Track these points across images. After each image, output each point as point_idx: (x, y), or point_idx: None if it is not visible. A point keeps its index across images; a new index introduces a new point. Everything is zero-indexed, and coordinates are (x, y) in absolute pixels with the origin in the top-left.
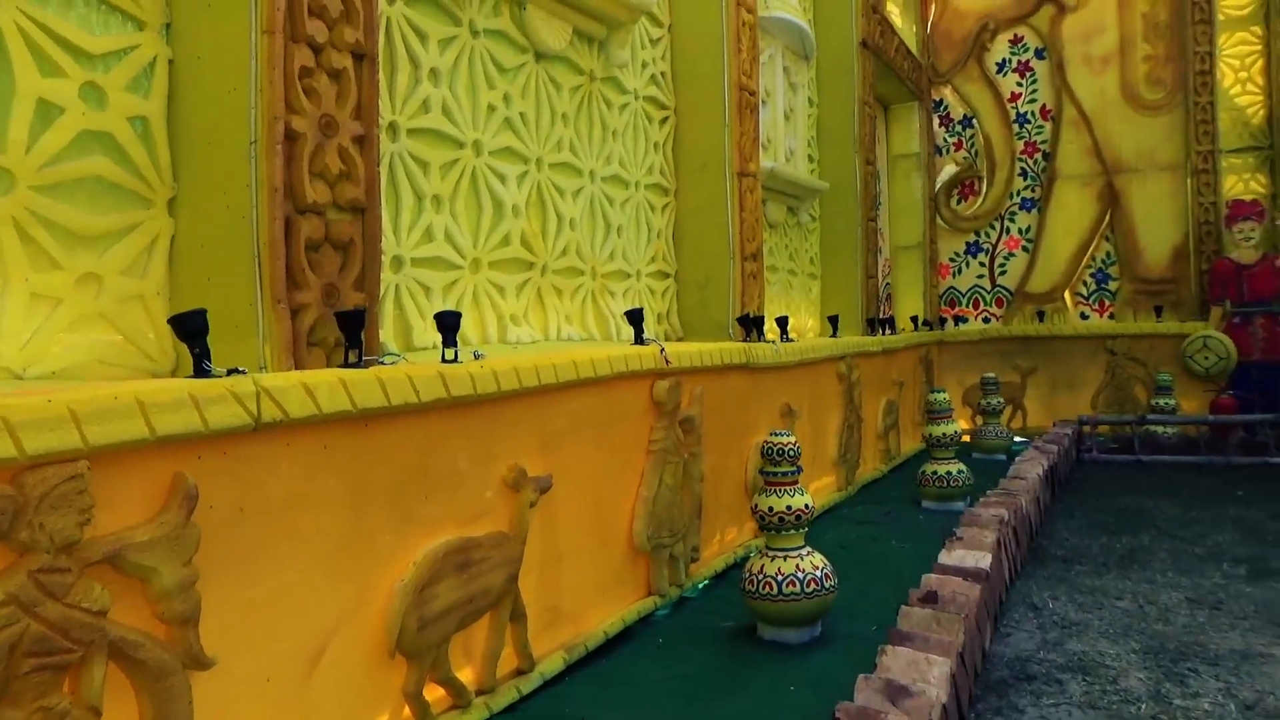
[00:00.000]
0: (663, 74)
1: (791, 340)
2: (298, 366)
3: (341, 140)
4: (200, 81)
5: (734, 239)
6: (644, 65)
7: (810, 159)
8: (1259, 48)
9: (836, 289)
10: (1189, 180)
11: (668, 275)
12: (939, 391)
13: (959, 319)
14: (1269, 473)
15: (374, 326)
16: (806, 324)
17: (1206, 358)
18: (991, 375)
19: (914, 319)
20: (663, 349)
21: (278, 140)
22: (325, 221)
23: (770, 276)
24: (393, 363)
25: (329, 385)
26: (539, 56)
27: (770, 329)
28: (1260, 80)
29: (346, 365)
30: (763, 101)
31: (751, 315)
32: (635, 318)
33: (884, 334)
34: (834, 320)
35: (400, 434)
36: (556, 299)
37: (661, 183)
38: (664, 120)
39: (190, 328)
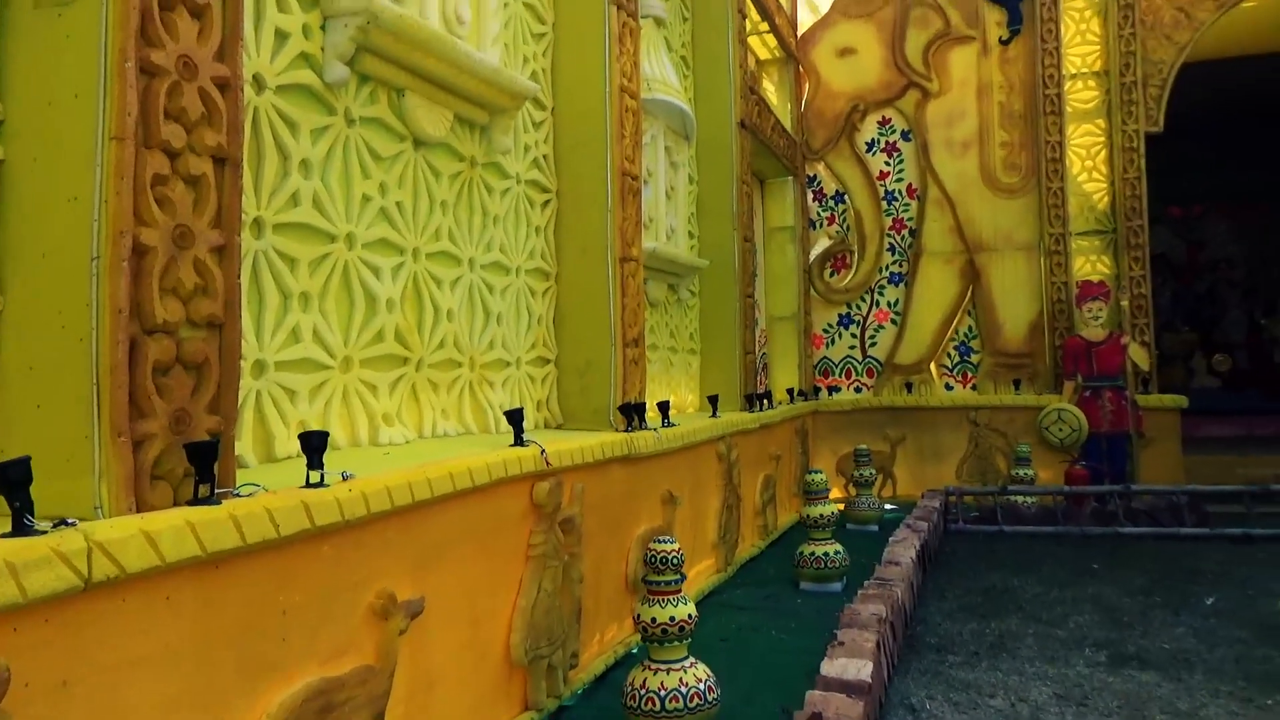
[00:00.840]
0: (545, 157)
1: (673, 425)
2: (139, 506)
3: (198, 252)
4: (36, 187)
5: (615, 324)
6: (526, 149)
7: (691, 235)
8: (1103, 139)
9: (716, 364)
10: (1043, 260)
11: (548, 361)
12: (815, 472)
13: (833, 389)
14: (1119, 543)
15: (229, 455)
16: (687, 400)
17: (1061, 429)
18: (864, 447)
19: (790, 391)
20: (543, 450)
21: (124, 256)
22: (177, 341)
23: (652, 355)
24: (250, 494)
25: (174, 530)
26: (418, 144)
27: (652, 414)
28: (1104, 169)
29: (196, 501)
30: (645, 181)
31: (633, 402)
32: (515, 419)
33: (762, 408)
34: (714, 400)
35: (256, 572)
36: (432, 394)
37: (543, 267)
38: (546, 203)
39: (11, 478)
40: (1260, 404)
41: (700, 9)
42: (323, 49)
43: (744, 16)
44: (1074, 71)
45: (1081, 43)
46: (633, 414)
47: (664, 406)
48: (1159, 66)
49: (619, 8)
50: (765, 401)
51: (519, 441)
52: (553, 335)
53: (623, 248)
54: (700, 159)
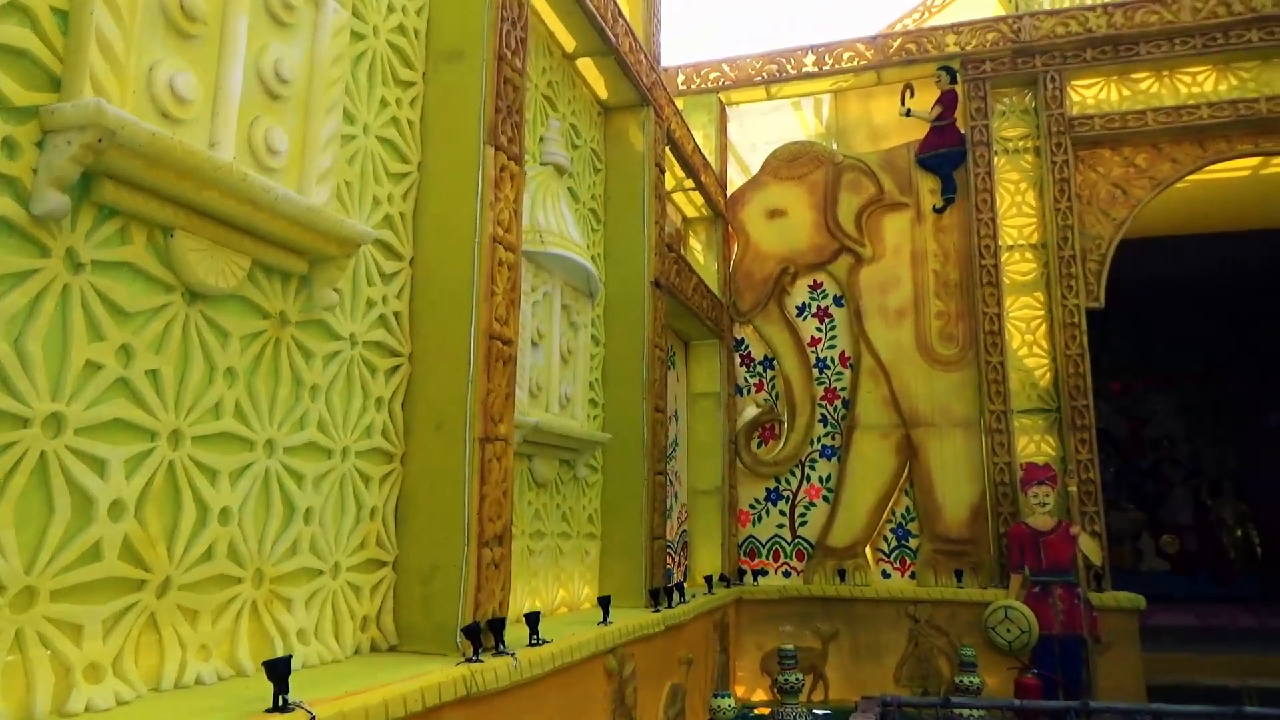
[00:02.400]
0: (396, 315)
1: (543, 643)
2: None
3: None
4: None
5: (471, 518)
6: (369, 305)
7: (594, 404)
8: (1042, 313)
9: (618, 552)
10: (984, 438)
11: (383, 565)
12: (723, 695)
13: (759, 572)
14: None
15: None
16: (582, 594)
17: (1009, 630)
18: (790, 648)
19: (709, 579)
20: (312, 716)
21: None
22: None
23: (536, 545)
24: None
25: None
26: (194, 297)
27: (515, 625)
28: (1045, 344)
29: None
30: (534, 343)
31: (488, 621)
32: (276, 671)
33: (671, 604)
34: (605, 603)
35: None
36: (187, 625)
37: (383, 447)
38: (393, 370)
39: None
40: (1211, 590)
41: (614, 161)
42: (35, 171)
43: (662, 170)
44: (1011, 243)
45: (1017, 214)
46: (483, 636)
47: (533, 620)
48: (1097, 242)
49: (497, 149)
50: (677, 594)
51: (280, 706)
52: (391, 532)
53: (485, 424)
54: (608, 320)
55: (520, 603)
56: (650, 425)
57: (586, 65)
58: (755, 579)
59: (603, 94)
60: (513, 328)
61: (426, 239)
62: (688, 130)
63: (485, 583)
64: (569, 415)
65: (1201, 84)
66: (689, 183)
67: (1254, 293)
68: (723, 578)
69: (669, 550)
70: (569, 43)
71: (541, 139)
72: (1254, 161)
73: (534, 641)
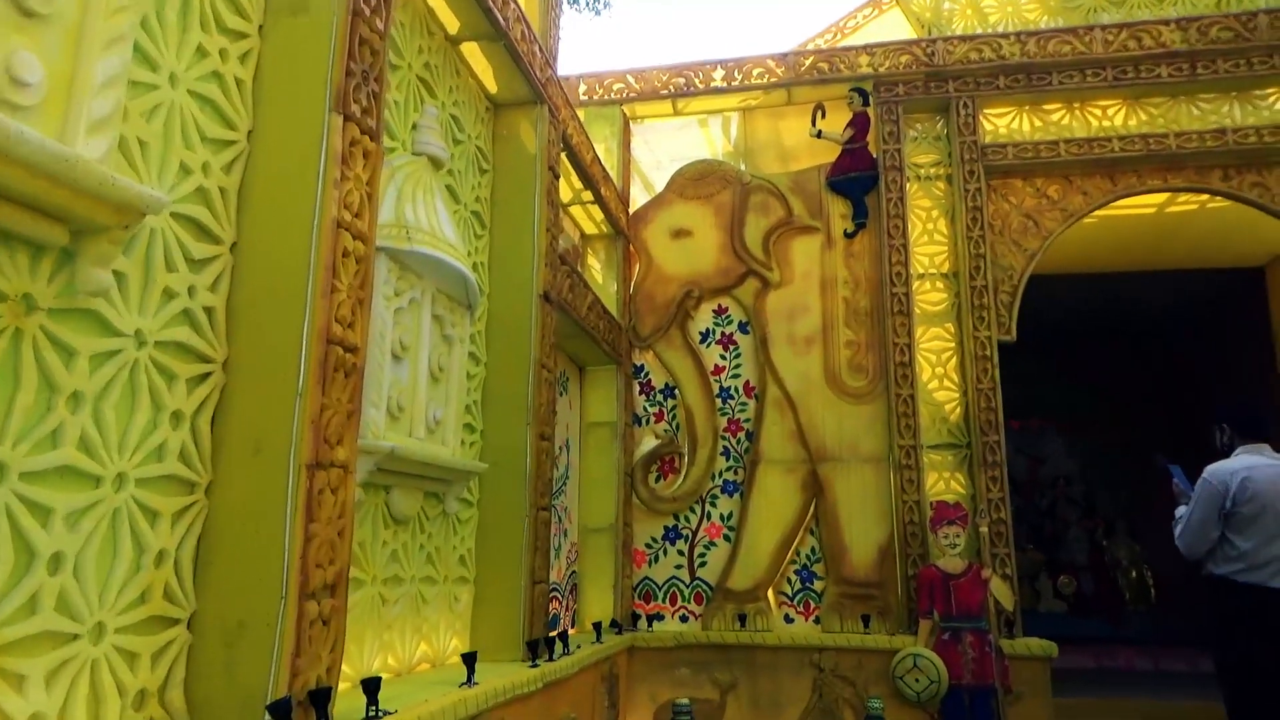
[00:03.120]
0: (208, 310)
1: (384, 716)
2: None
3: None
4: None
5: (292, 563)
6: (169, 295)
7: (471, 429)
8: (953, 345)
9: (493, 598)
10: (893, 475)
11: (173, 623)
12: None
13: (655, 616)
14: None
15: None
16: (449, 647)
17: (918, 680)
18: (684, 702)
19: (598, 625)
20: None
21: None
22: None
23: (392, 592)
24: None
25: None
26: None
27: (344, 703)
28: (955, 377)
29: None
30: (396, 356)
31: (310, 691)
32: None
33: (551, 657)
34: (470, 662)
35: None
36: None
37: (181, 474)
38: (200, 378)
39: None
40: (1108, 632)
41: (503, 162)
42: None
43: (556, 176)
44: (922, 271)
45: (929, 242)
46: (294, 712)
47: (371, 687)
48: (1009, 273)
49: (347, 119)
50: (560, 645)
51: None
52: (188, 581)
53: (317, 448)
54: (491, 336)
55: (368, 662)
56: (535, 455)
57: (473, 52)
58: (650, 624)
59: (492, 87)
60: (359, 332)
61: (253, 220)
62: (586, 138)
63: (309, 644)
64: (438, 441)
65: (1112, 118)
66: (587, 194)
67: (1150, 334)
68: (614, 624)
69: (556, 594)
70: (451, 23)
71: (415, 126)
72: (1160, 199)
73: (372, 714)
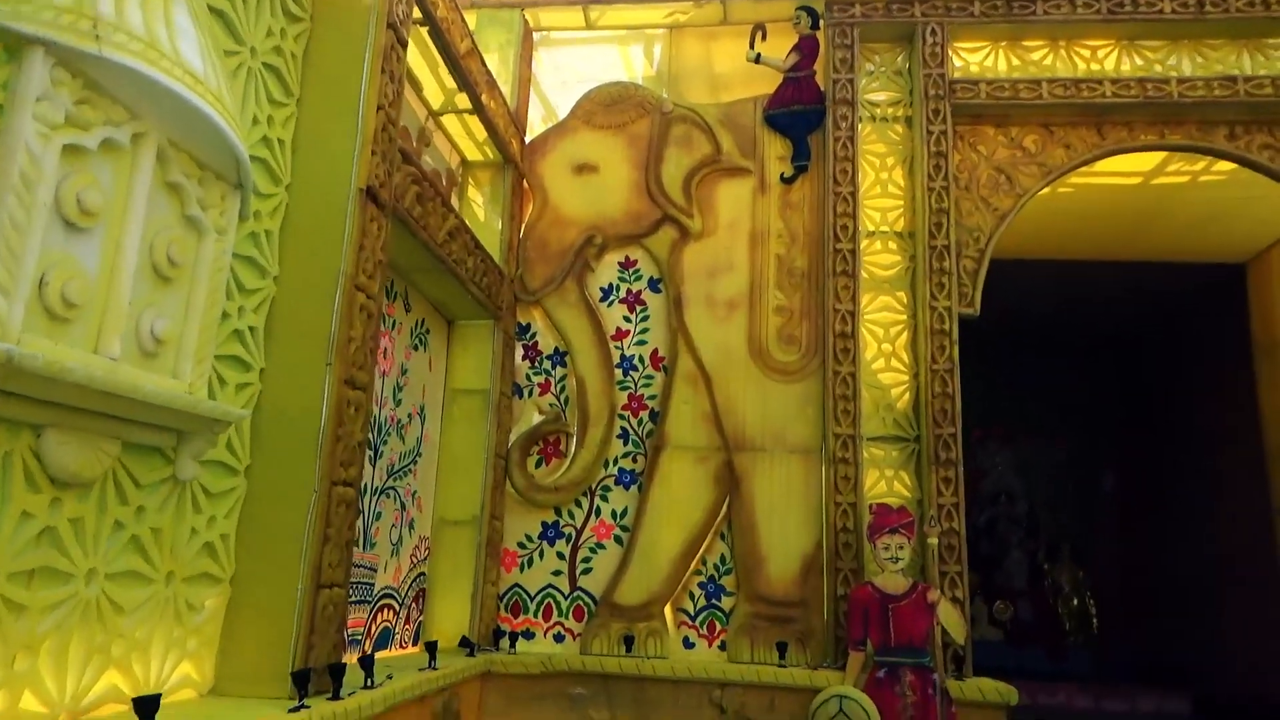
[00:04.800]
0: None
1: None
2: None
3: None
4: None
5: None
6: None
7: (240, 365)
8: (904, 318)
9: (255, 605)
10: (825, 470)
11: None
12: None
13: (523, 634)
14: None
15: None
16: (172, 676)
17: None
18: None
19: (431, 646)
20: None
21: None
22: None
23: (28, 598)
24: None
25: None
26: None
27: None
28: (906, 356)
29: None
30: (68, 222)
31: None
32: None
33: (337, 693)
34: (147, 710)
35: None
36: None
37: None
38: None
39: None
40: (1044, 667)
41: (323, 11)
42: None
43: (403, 44)
44: (872, 229)
45: (881, 194)
46: None
47: None
48: (975, 235)
49: None
50: (366, 677)
51: None
52: None
53: None
54: (286, 241)
55: None
56: (336, 408)
57: None
58: (512, 645)
59: None
60: None
61: None
62: (460, 17)
63: None
64: (162, 369)
65: (1102, 60)
66: (463, 98)
67: (1111, 336)
68: (465, 642)
69: (391, 601)
70: None
71: None
72: (1149, 165)
73: None
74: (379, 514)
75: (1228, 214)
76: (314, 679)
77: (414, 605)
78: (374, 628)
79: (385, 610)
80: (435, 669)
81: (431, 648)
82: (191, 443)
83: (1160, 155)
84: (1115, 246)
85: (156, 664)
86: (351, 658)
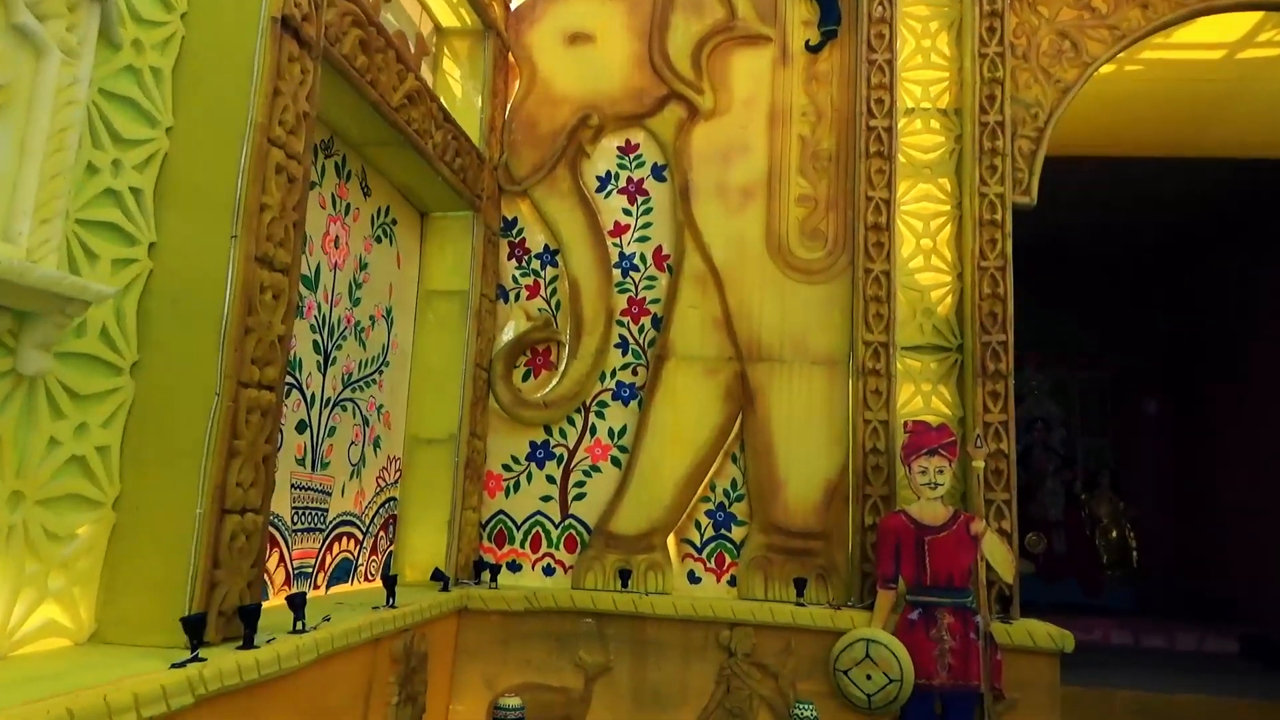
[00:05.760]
0: None
1: None
2: None
3: None
4: None
5: None
6: None
7: (120, 236)
8: (949, 209)
9: (146, 534)
10: (853, 384)
11: None
12: None
13: (508, 566)
14: None
15: None
16: (22, 622)
17: (870, 676)
18: (514, 705)
19: (389, 580)
20: None
21: None
22: None
23: None
24: None
25: None
26: None
27: None
28: (949, 253)
29: None
30: None
31: None
32: None
33: (251, 642)
34: None
35: None
36: None
37: None
38: None
39: None
40: (1079, 599)
41: None
42: None
43: None
44: (912, 105)
45: (924, 65)
46: None
47: None
48: (1033, 111)
49: None
50: (296, 619)
51: None
52: None
53: None
54: (181, 85)
55: None
56: (242, 292)
57: None
58: (494, 579)
59: None
60: None
61: None
62: None
63: None
64: None
65: None
66: None
67: (1158, 249)
68: (438, 575)
69: (352, 529)
70: None
71: None
72: (1239, 32)
73: None
74: (333, 429)
75: None
76: (219, 624)
77: (383, 534)
78: (329, 559)
79: (344, 539)
80: (394, 606)
81: (390, 582)
82: (36, 327)
83: (1253, 19)
84: (1178, 140)
85: (18, 605)
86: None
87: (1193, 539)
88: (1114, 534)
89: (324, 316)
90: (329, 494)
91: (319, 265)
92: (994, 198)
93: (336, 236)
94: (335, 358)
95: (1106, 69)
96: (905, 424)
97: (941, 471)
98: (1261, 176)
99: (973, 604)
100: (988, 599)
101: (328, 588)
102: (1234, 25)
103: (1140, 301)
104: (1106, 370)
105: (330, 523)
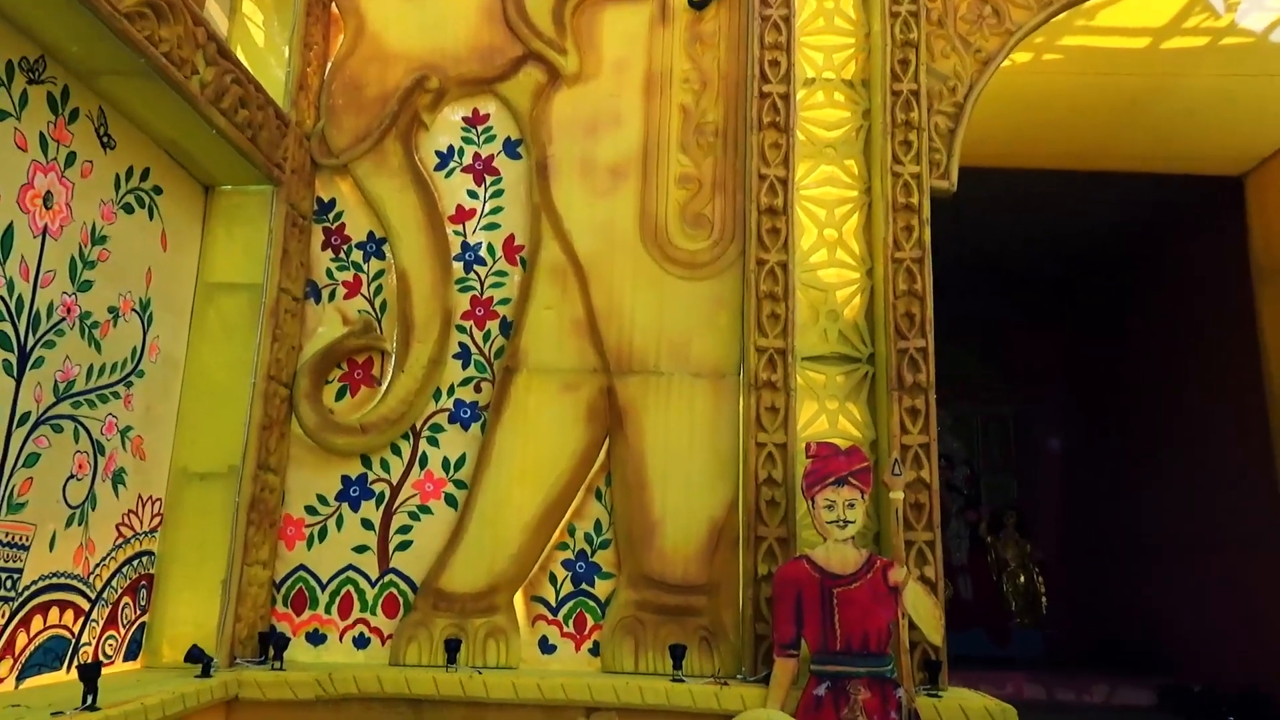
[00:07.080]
0: None
1: None
2: None
3: None
4: None
5: None
6: None
7: None
8: (855, 193)
9: None
10: (744, 400)
11: None
12: None
13: (308, 638)
14: None
15: None
16: None
17: None
18: None
19: (90, 668)
20: None
21: None
22: None
23: None
24: None
25: None
26: None
27: None
28: (857, 246)
29: None
30: None
31: None
32: None
33: None
34: None
35: None
36: None
37: None
38: None
39: None
40: (988, 650)
41: None
42: None
43: None
44: (812, 74)
45: (826, 28)
46: None
47: None
48: (950, 84)
49: None
50: None
51: None
52: None
53: None
54: None
55: None
56: None
57: None
58: (279, 656)
59: None
60: None
61: None
62: None
63: None
64: None
65: None
66: None
67: (1071, 274)
68: (195, 655)
69: (77, 597)
70: None
71: None
72: (1164, 19)
73: None
74: (33, 457)
75: (1236, 106)
76: None
77: (129, 601)
78: (22, 640)
79: (54, 610)
80: (92, 709)
81: (89, 672)
82: None
83: (1182, 1)
84: (1083, 150)
85: None
86: None
87: (1105, 582)
88: (1021, 579)
89: (19, 297)
90: (23, 548)
91: (11, 224)
92: (909, 178)
93: (48, 192)
94: (42, 358)
95: (1022, 57)
96: (808, 447)
97: (852, 505)
98: (1168, 194)
99: (893, 673)
100: (910, 666)
101: (19, 680)
102: (1162, 8)
103: (1041, 330)
104: (1009, 404)
105: (22, 589)
